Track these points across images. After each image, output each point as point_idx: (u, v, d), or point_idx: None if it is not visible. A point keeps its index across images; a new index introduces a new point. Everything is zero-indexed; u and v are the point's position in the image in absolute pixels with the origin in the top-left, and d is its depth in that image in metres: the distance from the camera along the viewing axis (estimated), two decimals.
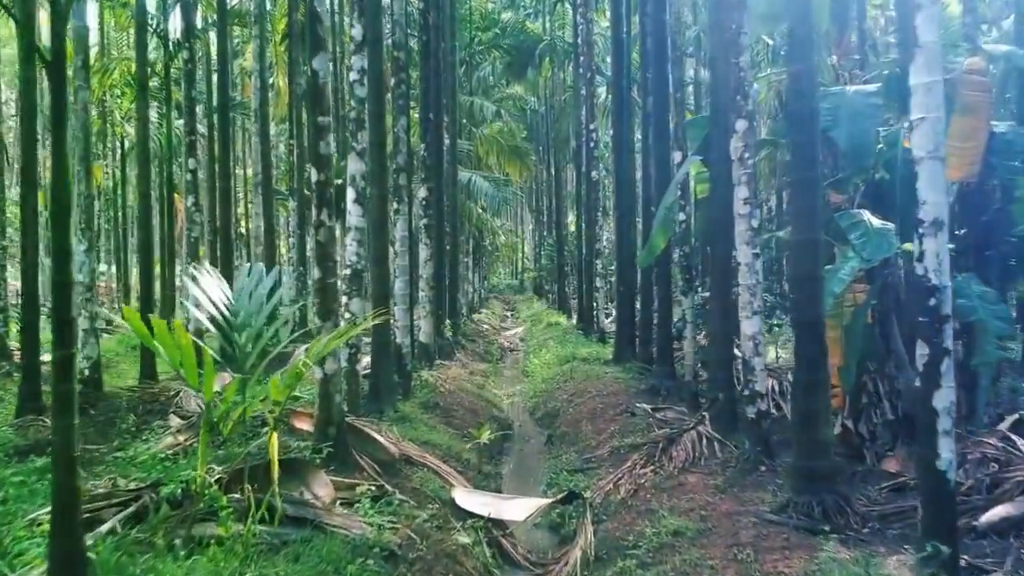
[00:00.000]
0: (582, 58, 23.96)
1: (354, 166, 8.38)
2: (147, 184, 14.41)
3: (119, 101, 28.74)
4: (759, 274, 8.24)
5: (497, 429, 11.73)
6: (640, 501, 7.50)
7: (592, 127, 21.67)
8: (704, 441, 9.08)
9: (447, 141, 20.63)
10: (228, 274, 18.28)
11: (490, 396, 14.74)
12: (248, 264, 5.96)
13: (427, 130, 14.99)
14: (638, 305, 16.27)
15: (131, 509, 4.87)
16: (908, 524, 5.88)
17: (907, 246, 6.62)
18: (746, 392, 8.37)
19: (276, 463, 4.86)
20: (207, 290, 5.18)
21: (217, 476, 5.27)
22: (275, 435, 4.87)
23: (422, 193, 14.88)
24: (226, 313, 5.14)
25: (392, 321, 11.86)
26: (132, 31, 15.82)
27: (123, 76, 28.60)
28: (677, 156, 11.60)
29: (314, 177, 7.01)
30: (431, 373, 13.97)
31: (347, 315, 8.05)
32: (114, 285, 30.76)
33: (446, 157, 20.62)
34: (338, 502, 5.99)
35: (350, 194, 8.37)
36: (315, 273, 7.11)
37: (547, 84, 38.29)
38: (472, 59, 30.30)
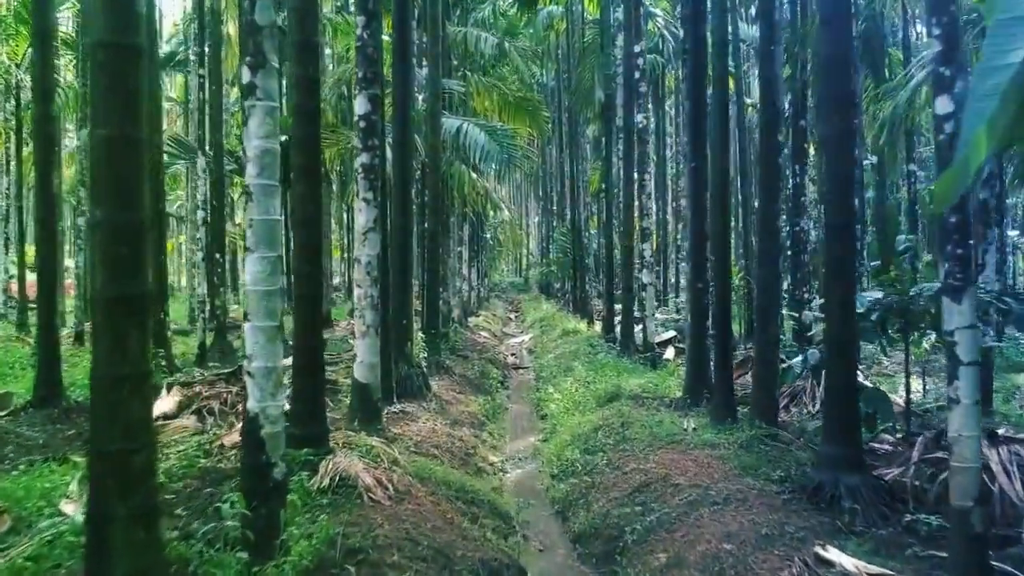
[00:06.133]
0: None
1: None
2: None
3: (11, 43, 22.41)
4: None
5: None
6: None
7: (637, 50, 14.89)
8: None
9: (425, 67, 13.91)
10: (50, 268, 11.50)
11: (481, 486, 7.91)
12: None
13: None
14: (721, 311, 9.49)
15: None
16: None
17: None
18: None
19: None
20: None
21: None
22: None
23: (360, 107, 8.10)
24: None
25: (245, 372, 5.01)
26: None
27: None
28: None
29: None
30: (371, 442, 7.22)
31: None
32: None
33: (423, 93, 13.92)
34: None
35: None
36: None
37: (559, 39, 31.73)
38: None
